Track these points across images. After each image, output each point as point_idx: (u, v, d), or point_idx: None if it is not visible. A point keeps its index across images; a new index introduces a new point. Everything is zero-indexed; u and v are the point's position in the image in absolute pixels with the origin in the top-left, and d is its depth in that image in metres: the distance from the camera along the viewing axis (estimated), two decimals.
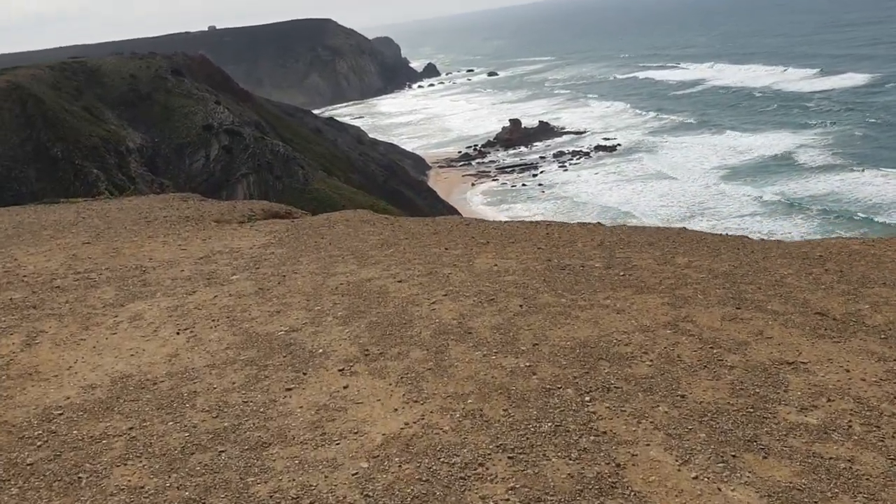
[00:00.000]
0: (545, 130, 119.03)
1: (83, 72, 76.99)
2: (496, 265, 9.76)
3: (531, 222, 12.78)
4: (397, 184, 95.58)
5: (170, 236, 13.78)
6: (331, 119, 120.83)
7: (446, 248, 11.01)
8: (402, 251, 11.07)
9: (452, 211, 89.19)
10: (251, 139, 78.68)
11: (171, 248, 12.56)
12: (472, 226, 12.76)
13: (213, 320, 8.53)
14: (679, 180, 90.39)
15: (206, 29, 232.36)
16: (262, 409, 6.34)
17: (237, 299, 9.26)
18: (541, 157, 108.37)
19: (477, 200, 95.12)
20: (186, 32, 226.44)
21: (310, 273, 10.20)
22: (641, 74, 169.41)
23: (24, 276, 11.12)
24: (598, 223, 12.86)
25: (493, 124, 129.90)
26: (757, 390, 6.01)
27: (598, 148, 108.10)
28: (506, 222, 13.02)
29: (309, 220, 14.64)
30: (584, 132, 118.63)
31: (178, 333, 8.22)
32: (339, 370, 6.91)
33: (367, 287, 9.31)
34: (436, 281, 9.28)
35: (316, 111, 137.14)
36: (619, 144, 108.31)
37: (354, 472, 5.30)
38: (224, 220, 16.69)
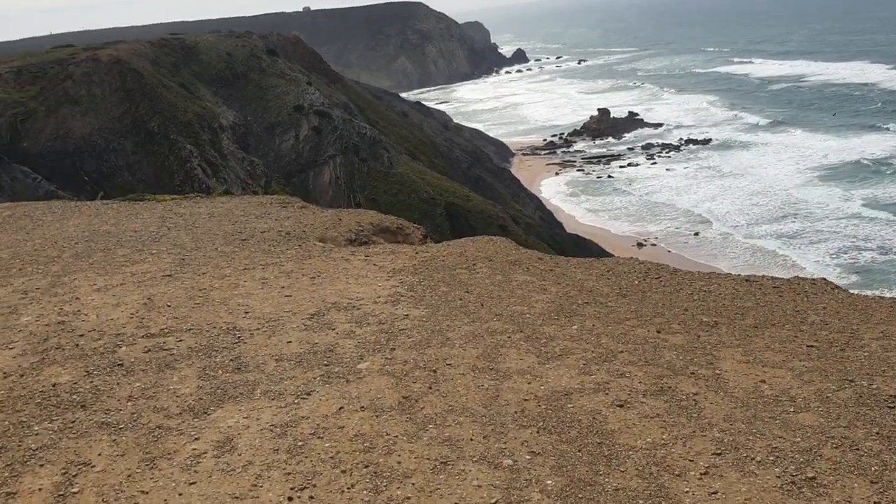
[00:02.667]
0: (634, 121, 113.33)
1: (181, 48, 75.52)
2: (764, 381, 6.18)
3: (750, 281, 9.08)
4: (480, 170, 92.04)
5: (269, 268, 10.60)
6: (418, 103, 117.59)
7: (659, 331, 7.47)
8: (593, 331, 7.58)
9: (533, 199, 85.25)
10: (339, 121, 76.27)
11: (272, 294, 9.34)
12: (667, 282, 9.16)
13: (344, 471, 5.21)
14: (771, 179, 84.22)
15: (301, 10, 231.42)
16: None
17: (374, 419, 5.92)
18: (629, 149, 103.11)
19: (560, 190, 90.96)
20: (282, 13, 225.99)
21: (470, 367, 6.81)
22: (736, 69, 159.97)
23: (81, 335, 8.05)
24: (833, 284, 9.09)
25: (581, 113, 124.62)
26: None
27: (688, 142, 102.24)
28: (714, 277, 9.35)
29: (438, 252, 11.24)
30: (674, 125, 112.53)
31: (290, 500, 4.93)
32: None
33: (571, 413, 5.87)
34: (680, 410, 5.78)
35: (403, 94, 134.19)
36: (710, 139, 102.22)
37: None
38: (329, 236, 13.52)
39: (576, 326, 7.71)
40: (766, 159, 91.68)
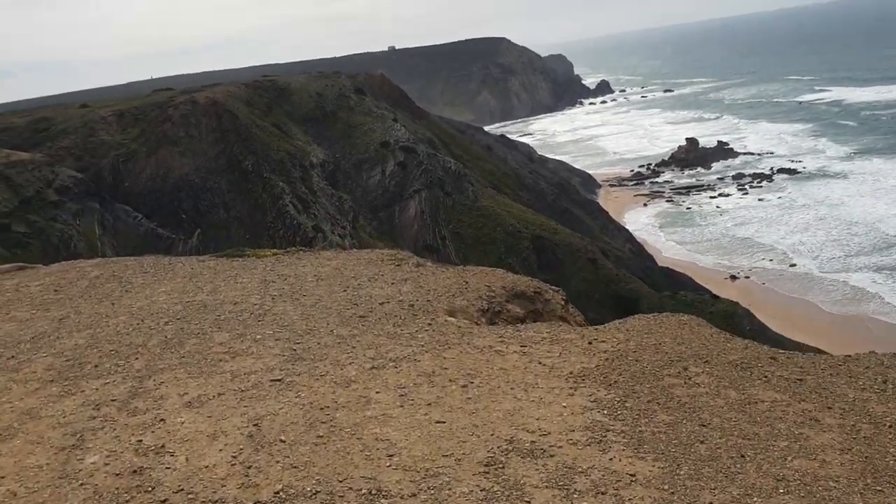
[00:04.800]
0: (723, 151, 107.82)
1: (273, 89, 75.55)
2: None
3: None
4: (567, 202, 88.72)
5: (402, 366, 7.90)
6: (502, 136, 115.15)
7: None
8: None
9: (622, 231, 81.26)
10: (424, 156, 74.62)
11: (417, 417, 6.59)
12: None
13: None
14: (868, 209, 78.00)
15: (386, 49, 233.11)
16: None
17: None
18: (719, 179, 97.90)
19: (648, 222, 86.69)
20: (368, 52, 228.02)
21: None
22: (827, 96, 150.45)
23: (164, 501, 5.44)
24: None
25: (667, 144, 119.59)
26: None
27: (780, 171, 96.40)
28: None
29: (622, 344, 8.29)
30: (765, 154, 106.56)
31: None
32: None
33: None
34: None
35: (486, 128, 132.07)
36: (803, 168, 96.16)
37: None
38: (458, 307, 10.84)
39: None
40: (864, 188, 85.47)
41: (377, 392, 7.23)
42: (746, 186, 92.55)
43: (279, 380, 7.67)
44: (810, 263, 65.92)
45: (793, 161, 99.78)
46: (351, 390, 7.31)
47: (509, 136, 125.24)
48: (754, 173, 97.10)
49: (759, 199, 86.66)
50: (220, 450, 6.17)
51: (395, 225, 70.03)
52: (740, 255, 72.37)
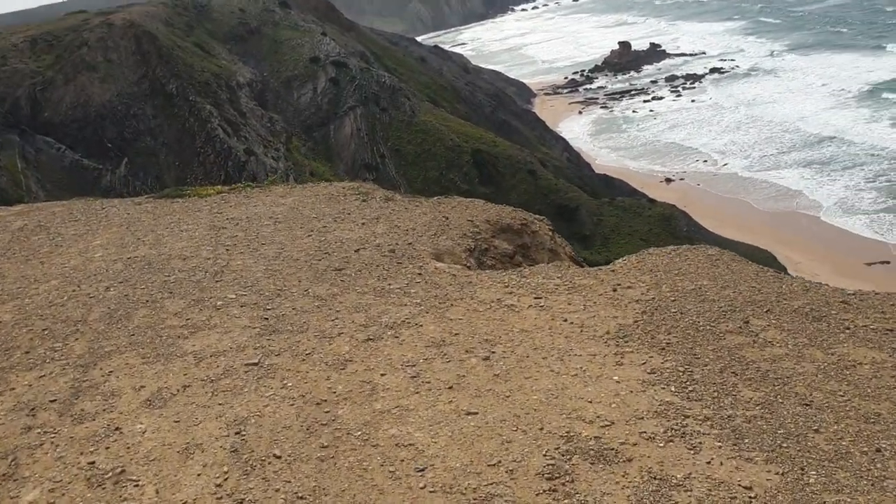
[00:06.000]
0: (656, 53, 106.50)
1: (194, 7, 70.87)
2: None
3: None
4: (505, 114, 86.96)
5: (403, 333, 6.50)
6: (435, 47, 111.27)
7: None
8: None
9: (559, 140, 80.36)
10: (357, 70, 71.35)
11: (439, 406, 5.24)
12: None
13: None
14: (799, 105, 78.36)
15: None
16: None
17: None
18: (652, 82, 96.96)
19: (584, 130, 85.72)
20: None
21: None
22: None
23: None
24: None
25: (601, 48, 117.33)
26: None
27: (713, 70, 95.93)
28: None
29: (654, 291, 7.04)
30: (698, 54, 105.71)
31: None
32: None
33: None
34: None
35: (419, 38, 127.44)
36: (735, 66, 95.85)
37: None
38: (443, 249, 9.48)
39: None
40: (794, 85, 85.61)
41: (382, 374, 5.83)
42: (679, 88, 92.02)
43: (255, 363, 6.18)
44: (742, 163, 66.51)
45: (724, 60, 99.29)
46: (348, 372, 5.88)
47: (443, 46, 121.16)
48: (687, 74, 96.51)
49: (692, 101, 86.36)
50: (199, 474, 4.72)
51: (332, 144, 67.71)
52: (674, 158, 72.62)
